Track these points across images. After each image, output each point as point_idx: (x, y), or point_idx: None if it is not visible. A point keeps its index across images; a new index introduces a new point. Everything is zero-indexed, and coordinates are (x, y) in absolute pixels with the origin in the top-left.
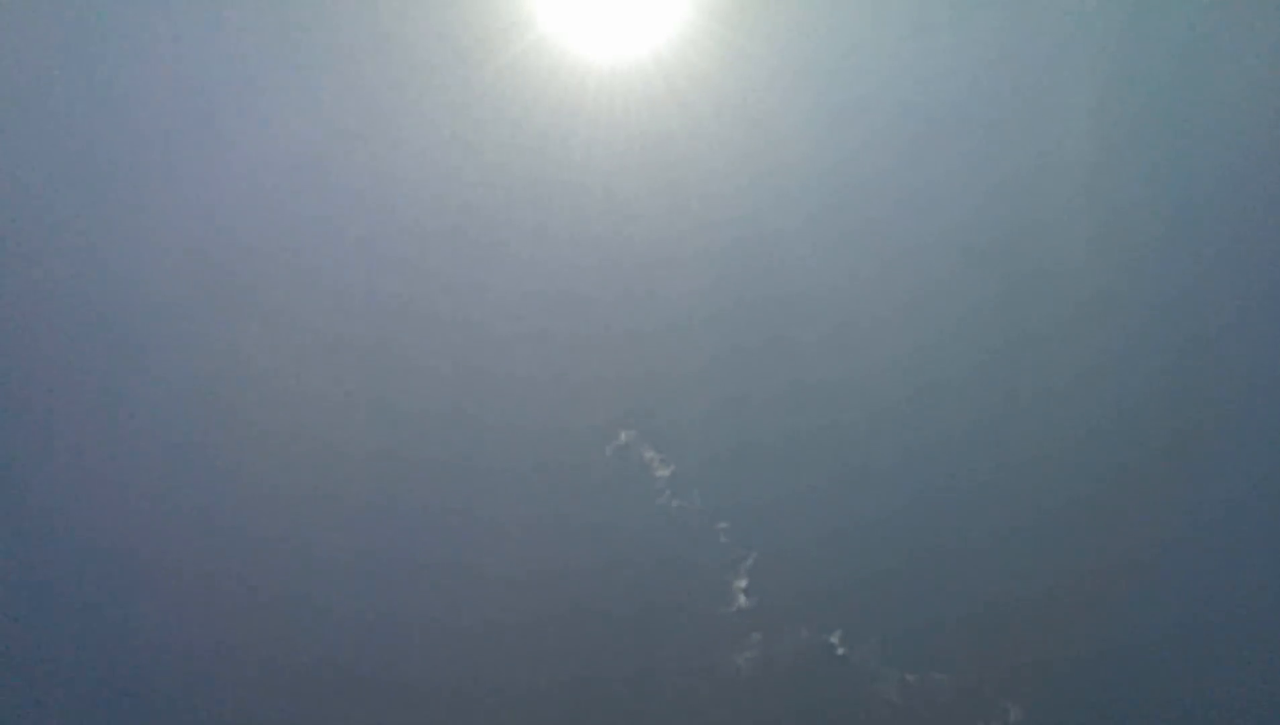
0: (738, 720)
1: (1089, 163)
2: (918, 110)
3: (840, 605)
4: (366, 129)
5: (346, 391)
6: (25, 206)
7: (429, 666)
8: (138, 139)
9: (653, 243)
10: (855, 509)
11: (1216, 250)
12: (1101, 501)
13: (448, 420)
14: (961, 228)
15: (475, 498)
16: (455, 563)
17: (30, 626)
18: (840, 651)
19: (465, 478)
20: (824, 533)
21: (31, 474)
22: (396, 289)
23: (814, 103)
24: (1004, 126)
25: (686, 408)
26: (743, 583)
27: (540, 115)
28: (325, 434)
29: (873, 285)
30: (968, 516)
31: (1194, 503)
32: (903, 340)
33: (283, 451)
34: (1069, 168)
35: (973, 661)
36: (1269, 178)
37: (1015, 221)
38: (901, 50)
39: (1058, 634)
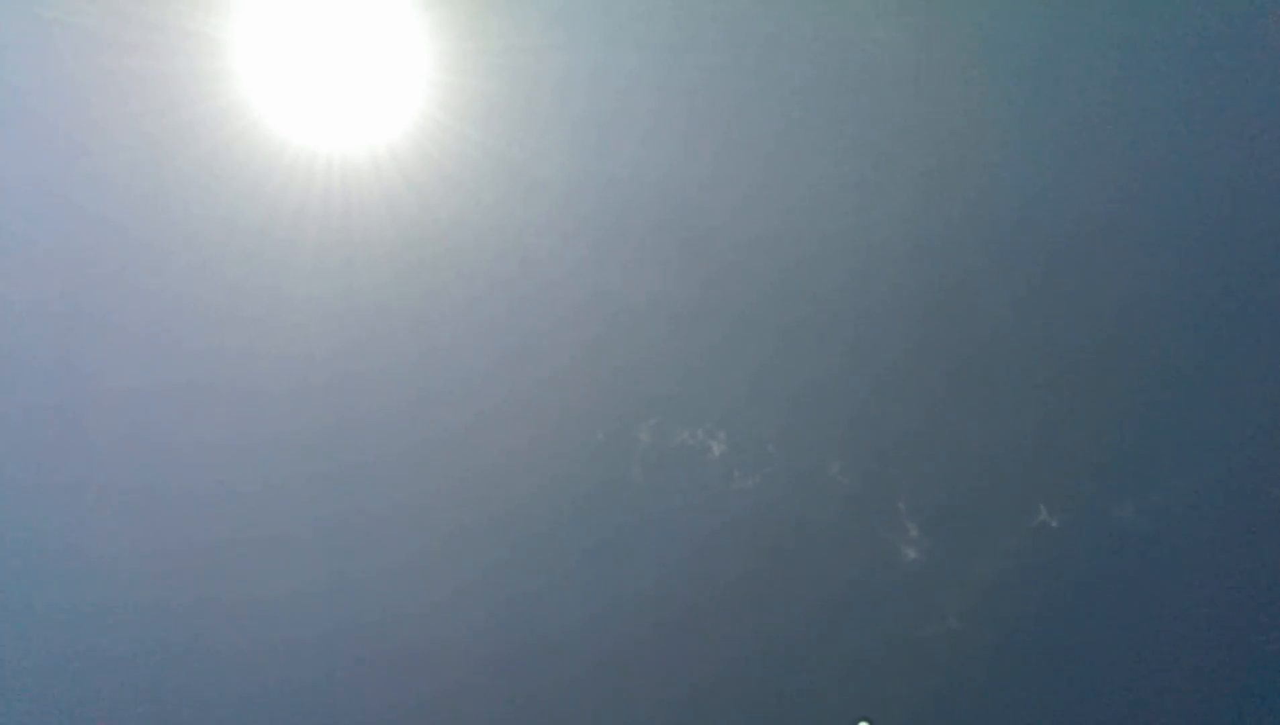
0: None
1: None
2: (650, 197)
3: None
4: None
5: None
6: None
7: None
8: None
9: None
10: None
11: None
12: None
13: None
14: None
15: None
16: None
17: None
18: (1055, 524)
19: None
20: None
21: None
22: None
23: (548, 187)
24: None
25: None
26: (913, 528)
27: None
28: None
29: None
30: None
31: None
32: None
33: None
34: None
35: None
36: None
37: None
38: (626, 137)
39: None
